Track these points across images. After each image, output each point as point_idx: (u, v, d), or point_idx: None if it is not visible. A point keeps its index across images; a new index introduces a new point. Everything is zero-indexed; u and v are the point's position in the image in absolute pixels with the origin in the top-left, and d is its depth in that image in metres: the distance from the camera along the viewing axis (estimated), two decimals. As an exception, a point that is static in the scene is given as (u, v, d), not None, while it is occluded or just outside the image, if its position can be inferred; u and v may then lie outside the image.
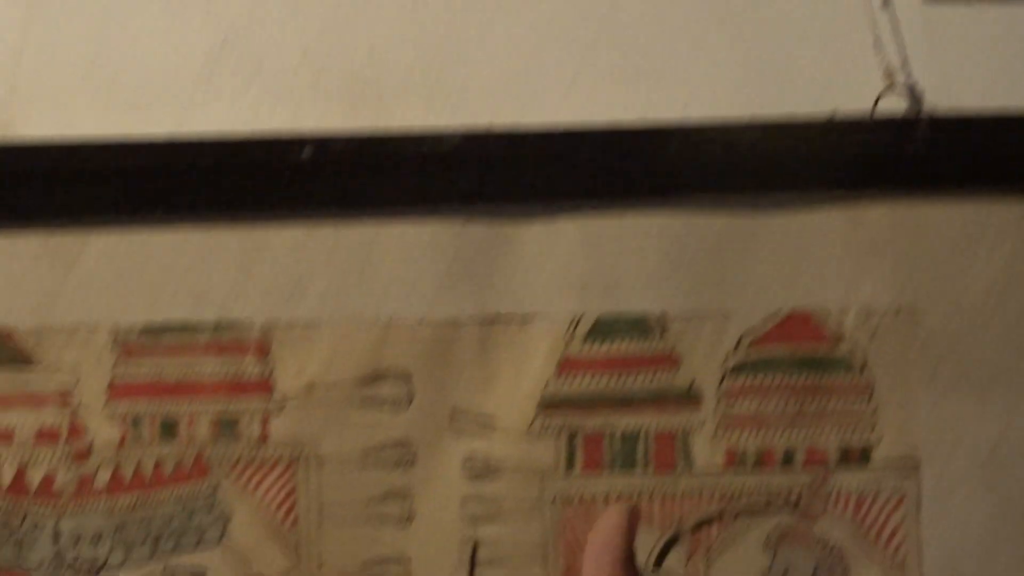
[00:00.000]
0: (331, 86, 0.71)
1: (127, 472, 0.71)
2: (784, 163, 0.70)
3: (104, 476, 0.71)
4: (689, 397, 0.71)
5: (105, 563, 0.71)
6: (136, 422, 0.71)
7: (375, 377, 0.71)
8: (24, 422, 0.71)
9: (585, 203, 0.70)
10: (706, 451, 0.71)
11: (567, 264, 0.71)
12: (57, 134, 0.70)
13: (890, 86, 0.70)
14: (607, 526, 0.58)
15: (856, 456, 0.71)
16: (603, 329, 0.71)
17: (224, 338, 0.71)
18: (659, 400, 0.71)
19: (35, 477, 0.71)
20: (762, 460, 0.71)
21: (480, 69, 0.71)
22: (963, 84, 0.71)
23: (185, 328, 0.71)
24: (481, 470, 0.71)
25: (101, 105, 0.71)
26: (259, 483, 0.71)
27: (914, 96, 0.70)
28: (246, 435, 0.71)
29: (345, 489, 0.70)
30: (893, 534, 0.70)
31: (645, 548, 0.70)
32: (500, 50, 0.71)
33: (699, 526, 0.71)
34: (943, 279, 0.70)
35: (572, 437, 0.71)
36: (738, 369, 0.71)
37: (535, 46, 0.71)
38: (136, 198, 0.70)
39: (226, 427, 0.71)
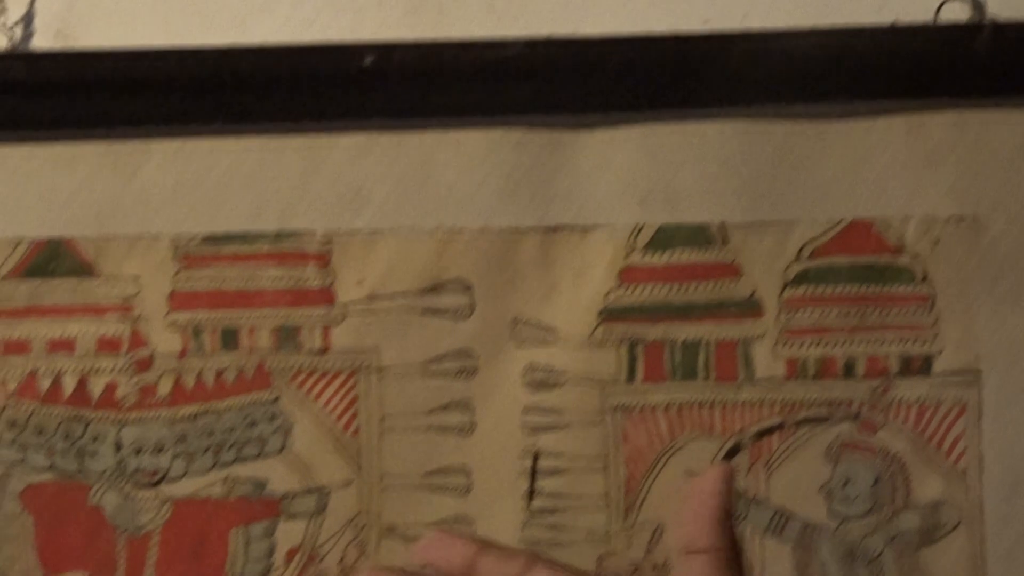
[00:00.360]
0: (392, -7, 0.71)
1: (188, 382, 0.72)
2: (845, 71, 0.70)
3: (166, 386, 0.72)
4: (750, 307, 0.71)
5: (167, 473, 0.72)
6: (197, 332, 0.72)
7: (436, 287, 0.71)
8: (85, 332, 0.72)
9: (646, 112, 0.71)
10: (767, 361, 0.71)
11: (628, 173, 0.71)
12: (117, 43, 0.70)
13: (952, -7, 0.70)
14: (706, 487, 0.58)
15: (917, 366, 0.71)
16: (664, 238, 0.71)
17: (285, 247, 0.72)
18: (720, 310, 0.71)
19: (96, 387, 0.72)
20: (823, 370, 0.71)
21: (541, -24, 0.71)
22: (1025, -9, 0.71)
23: (246, 238, 0.72)
24: (542, 380, 0.71)
25: (161, 14, 0.72)
26: (320, 393, 0.72)
27: (976, 4, 0.70)
28: (307, 345, 0.72)
29: (406, 399, 0.71)
30: (954, 444, 0.71)
31: (706, 458, 0.71)
32: (561, -43, 0.71)
33: (760, 436, 0.71)
34: (1005, 187, 0.71)
35: (633, 347, 0.71)
36: (799, 279, 0.71)
37: (596, -47, 0.71)
38: (197, 107, 0.70)
39: (287, 337, 0.72)
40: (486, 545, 0.65)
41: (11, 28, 0.72)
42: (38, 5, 0.71)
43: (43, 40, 0.71)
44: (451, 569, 0.65)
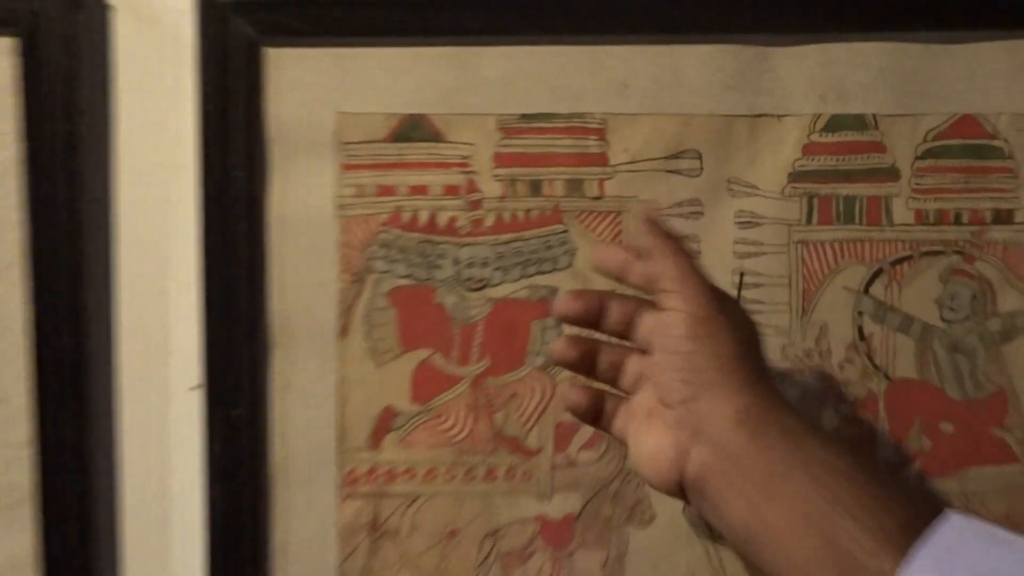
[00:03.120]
0: None
1: (506, 217, 0.86)
2: (960, 8, 0.83)
3: (490, 220, 0.86)
4: (891, 173, 0.86)
5: (488, 281, 0.86)
6: (513, 182, 0.86)
7: (677, 154, 0.85)
8: (436, 181, 0.86)
9: (825, 32, 0.84)
10: (902, 211, 0.86)
11: (811, 77, 0.85)
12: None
13: None
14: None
15: (1004, 217, 0.86)
16: (835, 124, 0.86)
17: (574, 124, 0.85)
18: (871, 175, 0.86)
19: (442, 220, 0.86)
20: (940, 218, 0.86)
21: None
22: None
23: (548, 116, 0.85)
24: (748, 221, 0.86)
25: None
26: (596, 227, 0.86)
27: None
28: (588, 193, 0.86)
29: (655, 233, 0.86)
30: (1028, 271, 0.86)
31: (858, 278, 0.86)
32: None
33: (895, 263, 0.86)
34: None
35: (811, 199, 0.86)
36: (925, 154, 0.86)
37: None
38: (519, 20, 0.84)
39: (575, 187, 0.86)
40: None
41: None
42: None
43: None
44: None
